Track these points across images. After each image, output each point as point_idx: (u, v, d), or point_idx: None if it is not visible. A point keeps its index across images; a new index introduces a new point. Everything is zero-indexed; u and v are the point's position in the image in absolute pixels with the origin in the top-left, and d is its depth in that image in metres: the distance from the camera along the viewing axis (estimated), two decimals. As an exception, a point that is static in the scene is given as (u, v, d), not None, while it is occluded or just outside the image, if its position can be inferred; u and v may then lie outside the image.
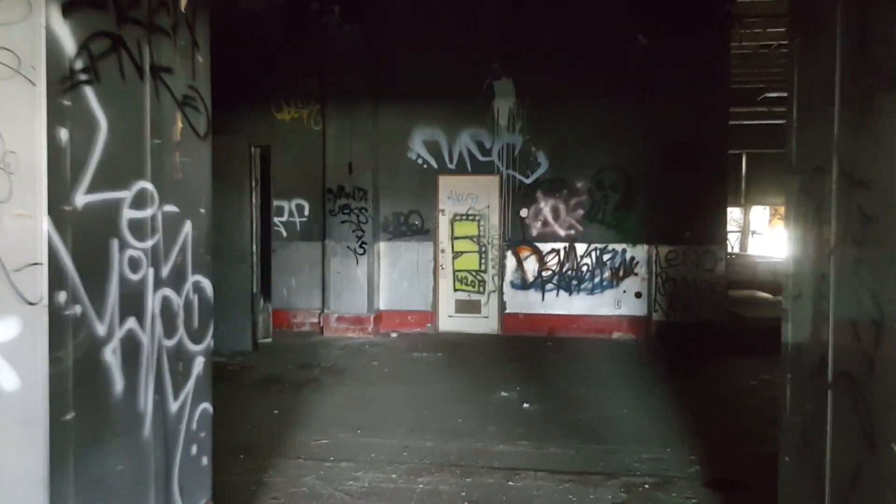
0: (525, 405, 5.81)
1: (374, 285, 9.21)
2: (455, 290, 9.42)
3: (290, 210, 9.44)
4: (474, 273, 9.37)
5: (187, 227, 2.81)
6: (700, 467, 4.45)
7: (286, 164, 9.27)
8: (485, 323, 9.36)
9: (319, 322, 9.22)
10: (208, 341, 2.98)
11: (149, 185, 2.55)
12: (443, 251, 9.39)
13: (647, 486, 4.15)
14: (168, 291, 2.67)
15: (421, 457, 4.58)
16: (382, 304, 9.45)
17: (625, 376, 7.05)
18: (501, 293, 9.26)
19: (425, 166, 9.30)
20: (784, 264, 3.01)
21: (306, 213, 9.44)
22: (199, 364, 2.90)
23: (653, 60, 8.76)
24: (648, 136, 8.83)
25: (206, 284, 2.96)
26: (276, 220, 9.36)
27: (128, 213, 2.43)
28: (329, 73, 9.01)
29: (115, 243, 2.37)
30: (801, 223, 2.79)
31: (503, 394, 6.18)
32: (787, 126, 2.93)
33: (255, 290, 7.83)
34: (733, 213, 15.77)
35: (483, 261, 9.35)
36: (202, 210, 2.93)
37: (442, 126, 9.24)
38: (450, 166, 9.27)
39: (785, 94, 3.02)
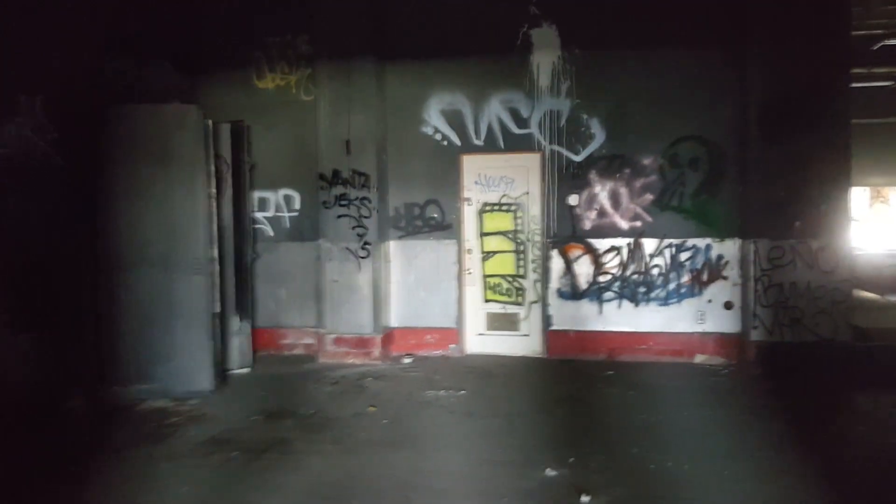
0: (584, 499, 3.73)
1: (382, 296, 7.20)
2: (486, 300, 7.36)
3: (278, 203, 7.52)
4: (510, 279, 7.29)
5: None
6: None
7: (271, 145, 7.41)
8: (524, 343, 7.28)
9: (315, 343, 7.29)
10: None
11: None
12: (469, 251, 7.34)
13: None
14: None
15: None
16: (393, 320, 7.44)
17: (726, 429, 4.89)
18: (545, 305, 7.16)
19: (445, 143, 7.26)
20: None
21: (297, 206, 7.50)
22: None
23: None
24: (741, 98, 6.67)
25: None
26: (258, 215, 7.46)
27: None
28: (321, 27, 7.05)
29: None
30: None
31: (549, 472, 4.09)
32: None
33: (217, 309, 5.94)
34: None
35: (521, 263, 7.27)
36: None
37: (465, 91, 7.18)
38: (476, 142, 7.20)
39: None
